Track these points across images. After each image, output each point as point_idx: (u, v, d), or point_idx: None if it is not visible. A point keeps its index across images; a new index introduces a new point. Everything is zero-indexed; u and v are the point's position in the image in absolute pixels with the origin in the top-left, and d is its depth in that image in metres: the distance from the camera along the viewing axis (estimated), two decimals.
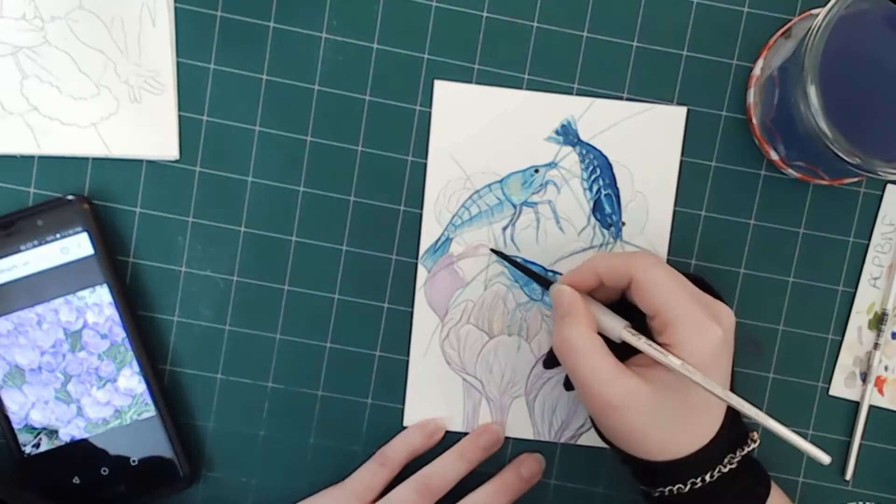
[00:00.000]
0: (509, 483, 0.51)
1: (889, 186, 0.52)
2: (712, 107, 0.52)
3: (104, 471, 0.50)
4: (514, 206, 0.52)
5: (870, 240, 0.52)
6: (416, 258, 0.52)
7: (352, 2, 0.51)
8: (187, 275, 0.51)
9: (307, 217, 0.51)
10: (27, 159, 0.50)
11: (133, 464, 0.50)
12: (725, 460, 0.45)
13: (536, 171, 0.51)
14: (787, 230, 0.52)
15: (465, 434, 0.52)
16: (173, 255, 0.51)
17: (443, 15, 0.51)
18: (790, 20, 0.51)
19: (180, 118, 0.51)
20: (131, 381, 0.50)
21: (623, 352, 0.45)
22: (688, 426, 0.44)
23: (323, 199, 0.51)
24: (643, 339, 0.44)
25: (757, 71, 0.51)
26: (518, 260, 0.51)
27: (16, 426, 0.49)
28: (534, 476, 0.52)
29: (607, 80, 0.51)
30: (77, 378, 0.50)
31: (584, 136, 0.51)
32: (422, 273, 0.52)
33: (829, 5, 0.42)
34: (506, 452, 0.53)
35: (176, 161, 0.51)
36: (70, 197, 0.49)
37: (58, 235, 0.49)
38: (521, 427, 0.52)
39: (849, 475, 0.53)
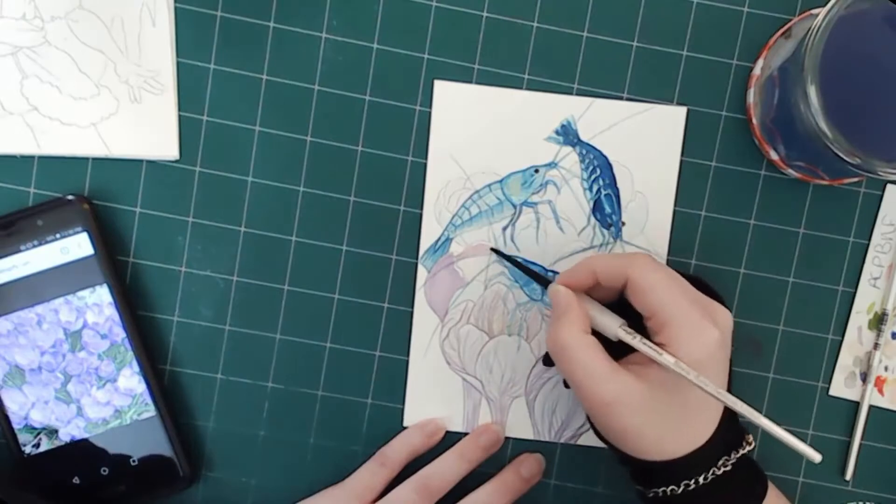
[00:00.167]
0: (509, 483, 0.51)
1: (889, 186, 0.52)
2: (712, 107, 0.52)
3: (104, 471, 0.50)
4: (514, 206, 0.52)
5: (870, 240, 0.52)
6: (416, 258, 0.52)
7: (352, 2, 0.51)
8: (187, 275, 0.51)
9: (307, 217, 0.51)
10: (27, 159, 0.50)
11: (133, 464, 0.50)
12: (720, 462, 0.45)
13: (536, 171, 0.51)
14: (787, 230, 0.52)
15: (465, 434, 0.52)
16: (173, 255, 0.51)
17: (443, 15, 0.51)
18: (790, 20, 0.51)
19: (180, 118, 0.51)
20: (131, 381, 0.50)
21: (620, 352, 0.45)
22: (683, 426, 0.44)
23: (323, 199, 0.51)
24: (638, 337, 0.44)
25: (757, 71, 0.51)
26: (518, 260, 0.51)
27: (16, 426, 0.49)
28: (534, 476, 0.52)
29: (607, 80, 0.51)
30: (77, 378, 0.50)
31: (584, 136, 0.51)
32: (422, 273, 0.52)
33: (829, 5, 0.42)
34: (506, 452, 0.53)
35: (176, 161, 0.51)
36: (70, 197, 0.49)
37: (58, 235, 0.49)
38: (521, 427, 0.52)
39: (849, 475, 0.53)
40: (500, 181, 0.51)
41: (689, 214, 0.52)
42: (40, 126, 0.50)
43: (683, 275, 0.46)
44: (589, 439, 0.52)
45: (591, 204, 0.52)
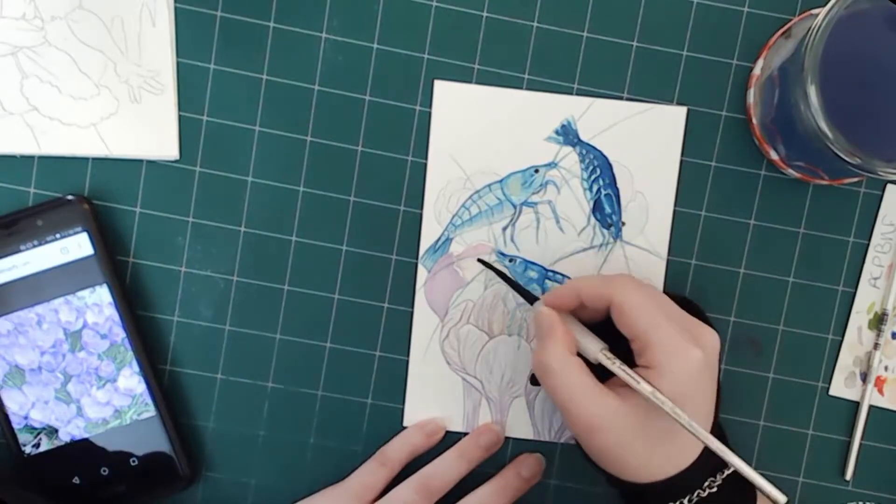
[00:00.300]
0: (509, 483, 0.51)
1: (889, 186, 0.52)
2: (712, 107, 0.52)
3: (104, 471, 0.50)
4: (514, 206, 0.52)
5: (870, 240, 0.52)
6: (416, 258, 0.52)
7: (352, 2, 0.51)
8: (187, 275, 0.51)
9: (307, 217, 0.51)
10: (27, 159, 0.50)
11: (133, 464, 0.50)
12: (706, 483, 0.45)
13: (536, 171, 0.51)
14: (787, 230, 0.52)
15: (465, 434, 0.52)
16: (173, 255, 0.51)
17: (443, 15, 0.51)
18: (790, 20, 0.51)
19: (180, 118, 0.51)
20: (131, 381, 0.50)
21: (608, 371, 0.45)
22: (669, 448, 0.44)
23: (323, 199, 0.51)
24: (618, 362, 0.45)
25: (757, 71, 0.51)
26: (511, 266, 0.51)
27: (16, 426, 0.49)
28: (534, 476, 0.52)
29: (607, 80, 0.51)
30: (77, 378, 0.50)
31: (584, 136, 0.51)
32: (422, 273, 0.52)
33: (829, 5, 0.42)
34: (506, 452, 0.53)
35: (176, 161, 0.51)
36: (70, 197, 0.49)
37: (58, 235, 0.49)
38: (521, 427, 0.52)
39: (849, 475, 0.53)
40: (500, 181, 0.51)
41: (689, 214, 0.52)
42: (40, 126, 0.50)
43: (671, 295, 0.46)
44: None
45: (591, 204, 0.52)
